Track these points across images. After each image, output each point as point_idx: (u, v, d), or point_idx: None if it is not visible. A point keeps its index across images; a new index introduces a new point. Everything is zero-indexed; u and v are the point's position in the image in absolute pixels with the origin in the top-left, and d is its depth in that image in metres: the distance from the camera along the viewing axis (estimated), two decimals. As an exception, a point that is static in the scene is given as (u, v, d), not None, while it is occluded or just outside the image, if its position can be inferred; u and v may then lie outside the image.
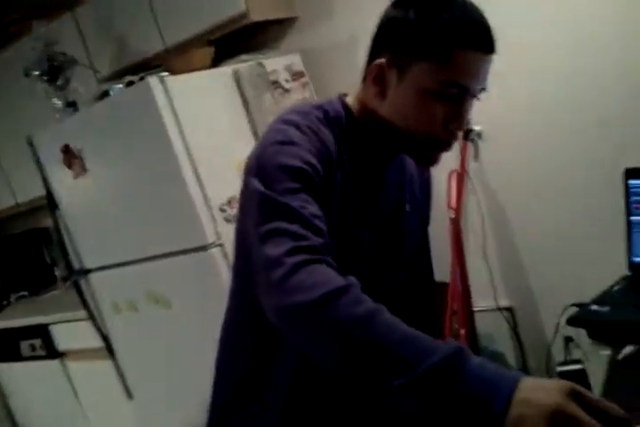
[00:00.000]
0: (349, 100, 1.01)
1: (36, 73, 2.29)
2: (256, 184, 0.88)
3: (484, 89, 0.94)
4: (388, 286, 1.11)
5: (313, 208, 0.85)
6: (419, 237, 1.18)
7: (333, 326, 0.74)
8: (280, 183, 0.87)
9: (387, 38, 0.94)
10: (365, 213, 1.02)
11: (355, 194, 0.98)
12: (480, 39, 0.89)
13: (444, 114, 0.91)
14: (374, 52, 0.95)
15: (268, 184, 0.87)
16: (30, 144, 2.38)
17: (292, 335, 0.81)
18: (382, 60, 0.92)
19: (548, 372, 2.03)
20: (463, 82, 0.89)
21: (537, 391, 0.65)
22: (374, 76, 0.94)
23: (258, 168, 0.91)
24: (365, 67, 0.97)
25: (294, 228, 0.82)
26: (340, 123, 0.98)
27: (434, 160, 0.99)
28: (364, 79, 0.97)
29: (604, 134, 1.90)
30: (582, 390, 0.66)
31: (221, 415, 1.10)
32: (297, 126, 0.92)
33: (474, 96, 0.93)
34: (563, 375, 1.66)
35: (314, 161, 0.89)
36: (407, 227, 1.11)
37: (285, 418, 1.04)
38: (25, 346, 2.97)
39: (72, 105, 2.34)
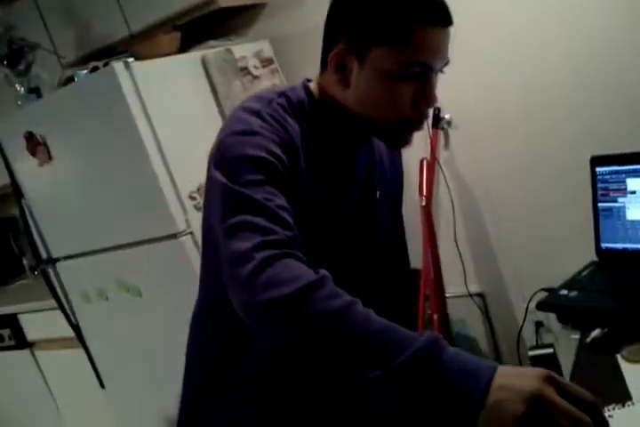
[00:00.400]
0: (313, 86, 0.99)
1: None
2: (219, 176, 0.86)
3: (447, 63, 0.92)
4: (361, 273, 1.11)
5: (278, 200, 0.84)
6: (389, 223, 1.17)
7: (309, 321, 0.73)
8: (243, 175, 0.85)
9: (340, 24, 0.92)
10: (335, 200, 1.01)
11: (322, 181, 0.97)
12: (436, 13, 0.87)
13: (412, 93, 0.90)
14: (330, 39, 0.93)
15: (230, 176, 0.85)
16: (-8, 132, 2.32)
17: (264, 332, 0.79)
18: (340, 48, 0.91)
19: (520, 356, 2.06)
20: (426, 60, 0.88)
21: (515, 377, 0.67)
22: (335, 65, 0.92)
23: (220, 159, 0.89)
24: (322, 53, 0.95)
25: (260, 221, 0.80)
26: (304, 109, 0.96)
27: (406, 142, 0.98)
28: (323, 67, 0.96)
29: (572, 123, 1.92)
30: (557, 376, 0.67)
31: (191, 405, 1.10)
32: (259, 114, 0.90)
33: (439, 71, 0.93)
34: (534, 359, 1.69)
35: (277, 151, 0.87)
36: (377, 213, 1.10)
37: (254, 409, 1.03)
38: (-6, 336, 2.92)
39: (35, 91, 2.28)
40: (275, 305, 0.74)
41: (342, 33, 0.91)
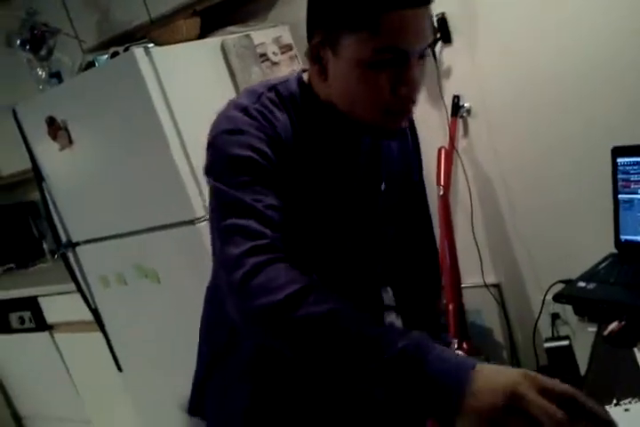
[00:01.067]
0: (306, 77, 0.98)
1: (18, 42, 2.24)
2: (209, 178, 0.89)
3: (430, 45, 0.88)
4: (370, 268, 1.10)
5: (267, 199, 0.85)
6: (398, 215, 1.15)
7: (301, 325, 0.76)
8: (231, 177, 0.87)
9: (314, 16, 0.90)
10: (334, 192, 0.99)
11: (320, 174, 0.96)
12: None
13: (389, 81, 0.86)
14: (309, 33, 0.92)
15: (219, 178, 0.88)
16: (14, 115, 2.34)
17: (259, 336, 0.83)
18: (316, 41, 0.89)
19: (535, 348, 2.05)
20: (399, 44, 0.84)
21: (495, 373, 0.69)
22: (312, 58, 0.91)
23: (209, 160, 0.91)
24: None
25: (250, 224, 0.83)
26: (295, 102, 0.95)
27: (392, 132, 0.95)
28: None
29: (594, 112, 1.89)
30: (536, 374, 0.69)
31: (200, 385, 1.13)
32: (246, 111, 0.91)
33: (420, 56, 0.87)
34: (549, 351, 1.69)
35: (264, 148, 0.88)
36: (382, 205, 1.08)
37: (249, 394, 1.05)
38: (14, 318, 2.97)
39: (56, 76, 2.29)
40: (267, 311, 0.77)
41: (316, 25, 0.90)
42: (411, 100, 0.90)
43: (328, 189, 0.98)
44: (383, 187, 1.07)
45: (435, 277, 1.29)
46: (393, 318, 1.21)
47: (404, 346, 0.71)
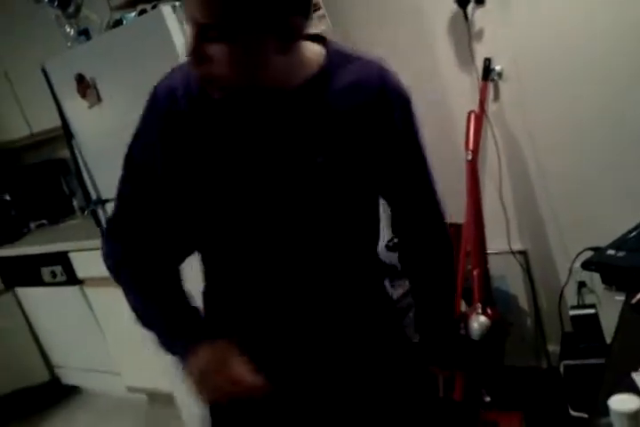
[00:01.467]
0: None
1: (47, -1, 2.23)
2: None
3: (209, 25, 0.84)
4: (308, 249, 1.04)
5: (141, 174, 1.03)
6: (344, 190, 1.02)
7: (123, 284, 1.12)
8: (128, 152, 1.08)
9: None
10: (240, 165, 0.97)
11: (234, 145, 0.96)
12: None
13: None
14: None
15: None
16: (44, 73, 2.35)
17: None
18: None
19: (561, 315, 2.05)
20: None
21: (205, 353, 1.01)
22: None
23: None
24: None
25: (115, 198, 1.09)
26: None
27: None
28: None
29: (629, 75, 1.83)
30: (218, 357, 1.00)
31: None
32: (169, 74, 1.06)
33: (201, 30, 0.85)
34: (574, 319, 1.68)
35: (159, 120, 1.00)
36: (323, 180, 0.99)
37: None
38: (46, 272, 3.05)
39: (84, 33, 2.28)
40: (109, 269, 1.11)
41: None
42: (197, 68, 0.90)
43: (233, 161, 0.97)
44: (321, 159, 0.98)
45: (444, 248, 1.18)
46: (406, 285, 1.22)
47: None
